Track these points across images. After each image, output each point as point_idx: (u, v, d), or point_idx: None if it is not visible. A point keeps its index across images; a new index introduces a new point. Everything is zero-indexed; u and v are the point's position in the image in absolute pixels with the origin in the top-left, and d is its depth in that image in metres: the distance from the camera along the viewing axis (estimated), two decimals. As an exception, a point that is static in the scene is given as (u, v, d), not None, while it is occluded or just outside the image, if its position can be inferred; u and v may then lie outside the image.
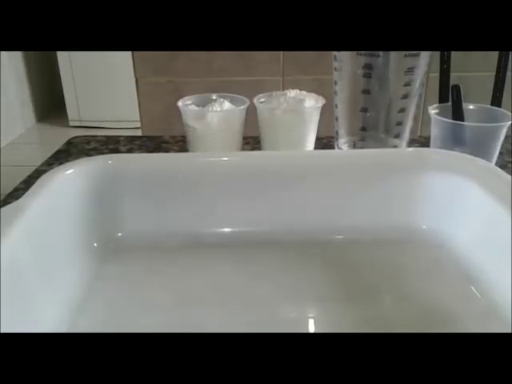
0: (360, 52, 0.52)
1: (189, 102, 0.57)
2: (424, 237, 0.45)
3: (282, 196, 0.45)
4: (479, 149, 0.49)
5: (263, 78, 0.98)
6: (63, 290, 0.37)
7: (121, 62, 2.30)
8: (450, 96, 0.52)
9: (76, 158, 0.46)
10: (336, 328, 0.36)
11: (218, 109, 0.55)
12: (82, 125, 2.65)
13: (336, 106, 0.57)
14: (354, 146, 0.57)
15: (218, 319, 0.37)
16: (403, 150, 0.54)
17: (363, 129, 0.56)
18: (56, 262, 0.37)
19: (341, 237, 0.45)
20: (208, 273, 0.42)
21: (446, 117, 0.51)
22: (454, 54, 0.70)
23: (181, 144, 0.66)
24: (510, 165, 0.59)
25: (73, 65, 2.53)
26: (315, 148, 0.59)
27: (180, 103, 0.56)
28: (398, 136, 0.56)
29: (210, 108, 0.55)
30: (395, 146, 0.56)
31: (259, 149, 0.60)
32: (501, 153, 0.53)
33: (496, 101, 0.79)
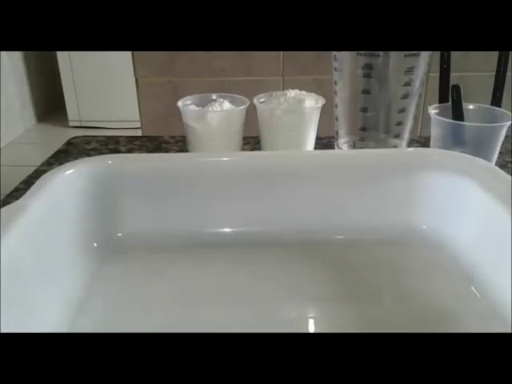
0: (360, 52, 0.52)
1: (189, 102, 0.57)
2: (424, 237, 0.45)
3: (282, 196, 0.45)
4: (479, 149, 0.49)
5: (263, 78, 0.98)
6: (63, 290, 0.37)
7: (121, 61, 2.30)
8: (450, 96, 0.52)
9: (76, 158, 0.46)
10: (336, 328, 0.36)
11: (218, 109, 0.55)
12: (82, 125, 2.65)
13: (336, 105, 0.57)
14: (353, 146, 0.57)
15: (218, 319, 0.37)
16: (403, 150, 0.54)
17: (363, 129, 0.56)
18: (56, 262, 0.37)
19: (341, 237, 0.45)
20: (208, 273, 0.42)
21: (446, 117, 0.51)
22: (453, 53, 0.70)
23: (181, 144, 0.66)
24: (509, 165, 0.59)
25: (73, 65, 2.53)
26: (315, 148, 0.59)
27: (180, 103, 0.56)
28: (398, 136, 0.56)
29: (210, 108, 0.55)
30: (395, 146, 0.56)
31: (259, 149, 0.60)
32: (501, 153, 0.53)
33: (496, 101, 0.79)
